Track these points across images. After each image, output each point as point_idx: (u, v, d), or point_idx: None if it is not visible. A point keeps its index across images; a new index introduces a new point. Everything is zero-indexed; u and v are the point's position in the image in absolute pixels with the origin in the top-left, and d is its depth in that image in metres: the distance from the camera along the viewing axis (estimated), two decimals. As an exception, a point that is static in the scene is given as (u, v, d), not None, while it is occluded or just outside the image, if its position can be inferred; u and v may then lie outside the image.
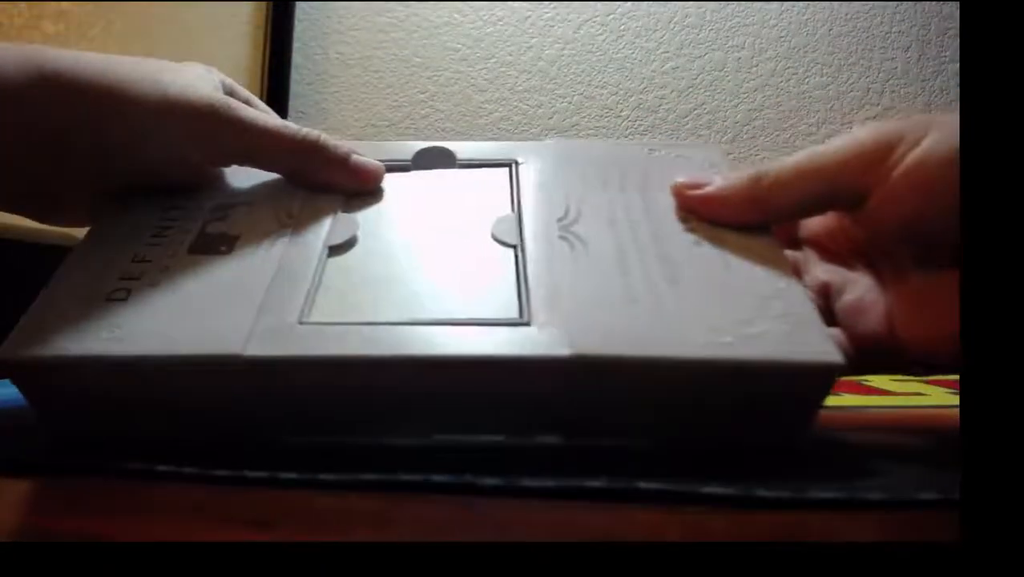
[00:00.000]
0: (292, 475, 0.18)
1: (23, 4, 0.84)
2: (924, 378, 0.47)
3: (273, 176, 0.27)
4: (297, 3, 0.85)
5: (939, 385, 0.42)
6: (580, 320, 0.20)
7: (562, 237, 0.24)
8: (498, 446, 0.21)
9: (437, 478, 0.18)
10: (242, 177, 0.27)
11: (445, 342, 0.20)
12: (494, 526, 0.16)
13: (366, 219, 0.25)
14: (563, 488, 0.17)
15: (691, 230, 0.24)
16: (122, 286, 0.22)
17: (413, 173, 0.28)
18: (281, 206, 0.25)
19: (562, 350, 0.19)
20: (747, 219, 0.25)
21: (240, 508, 0.16)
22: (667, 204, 0.25)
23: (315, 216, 0.25)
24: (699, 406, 0.21)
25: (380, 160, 0.28)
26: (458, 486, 0.17)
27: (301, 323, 0.20)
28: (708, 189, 0.25)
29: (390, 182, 0.27)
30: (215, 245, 0.23)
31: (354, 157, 0.27)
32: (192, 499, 0.17)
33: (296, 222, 0.24)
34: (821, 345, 0.20)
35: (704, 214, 0.25)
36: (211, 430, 0.21)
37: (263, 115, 0.27)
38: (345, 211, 0.25)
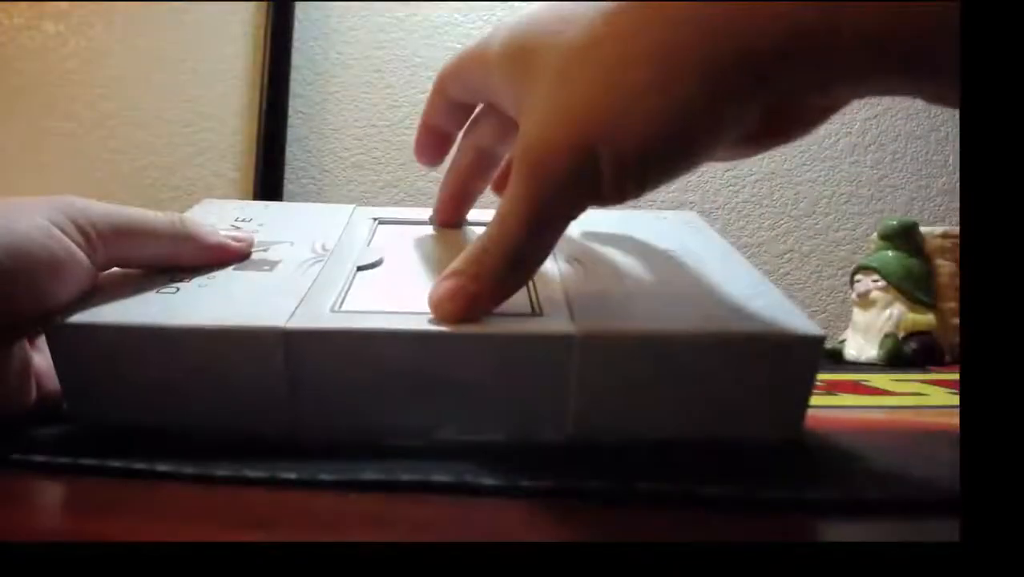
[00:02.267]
0: (292, 475, 0.18)
1: (23, 4, 0.84)
2: (924, 378, 0.47)
3: (309, 221, 0.30)
4: (297, 3, 0.85)
5: (939, 385, 0.42)
6: (587, 312, 0.22)
7: (566, 261, 0.27)
8: (501, 445, 0.22)
9: (437, 478, 0.18)
10: (280, 222, 0.30)
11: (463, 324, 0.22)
12: (494, 526, 0.16)
13: (391, 249, 0.28)
14: (563, 488, 0.17)
15: (671, 252, 0.28)
16: (172, 285, 0.24)
17: (430, 228, 0.32)
18: (317, 242, 0.28)
19: (570, 328, 0.21)
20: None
21: (240, 508, 0.16)
22: (648, 238, 0.29)
23: (347, 248, 0.28)
24: (696, 388, 0.22)
25: (398, 219, 0.32)
26: (458, 486, 0.17)
27: (332, 312, 0.23)
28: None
29: (409, 231, 0.31)
30: (258, 266, 0.26)
31: (222, 236, 0.27)
32: (192, 499, 0.17)
33: (329, 253, 0.27)
34: (804, 323, 0.22)
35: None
36: (249, 406, 0.22)
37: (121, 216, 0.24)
38: (372, 244, 0.29)
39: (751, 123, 0.20)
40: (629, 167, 0.20)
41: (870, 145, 0.83)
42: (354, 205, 0.33)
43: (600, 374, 0.21)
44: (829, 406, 0.33)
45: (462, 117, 0.29)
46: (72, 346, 0.22)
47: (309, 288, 0.24)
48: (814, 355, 0.22)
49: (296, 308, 0.22)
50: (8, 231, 0.21)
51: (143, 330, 0.22)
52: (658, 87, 0.19)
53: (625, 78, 0.19)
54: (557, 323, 0.22)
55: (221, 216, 0.30)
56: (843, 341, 0.64)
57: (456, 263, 0.22)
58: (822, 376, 0.47)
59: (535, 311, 0.23)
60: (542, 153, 0.20)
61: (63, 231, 0.22)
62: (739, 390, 0.22)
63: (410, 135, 0.98)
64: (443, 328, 0.21)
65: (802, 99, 0.20)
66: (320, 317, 0.22)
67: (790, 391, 0.22)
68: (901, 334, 0.60)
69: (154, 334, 0.22)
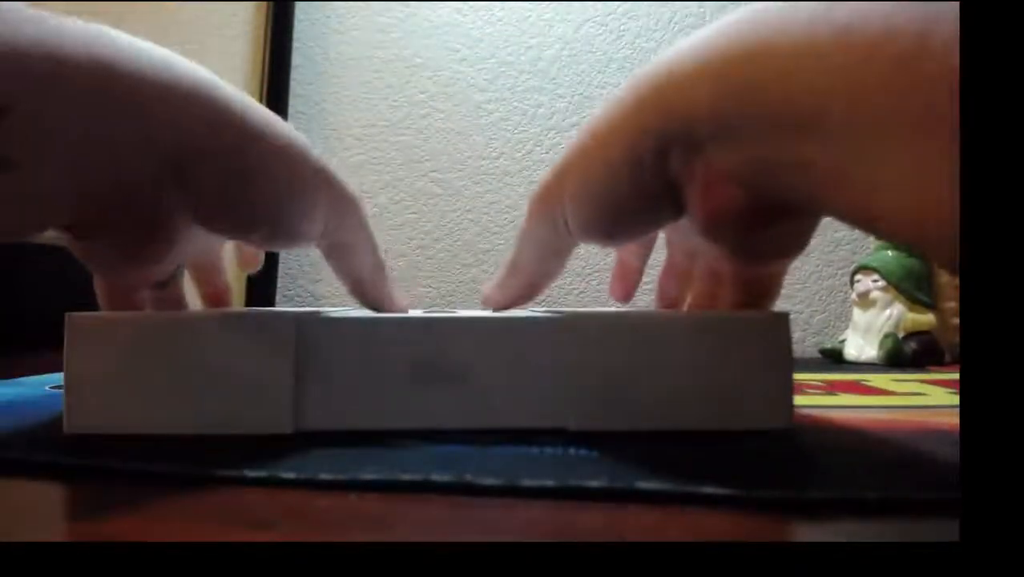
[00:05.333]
0: (292, 475, 0.18)
1: (23, 4, 0.84)
2: (924, 378, 0.47)
3: None
4: (297, 3, 0.85)
5: (939, 385, 0.42)
6: (578, 313, 0.25)
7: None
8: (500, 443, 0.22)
9: (437, 478, 0.18)
10: None
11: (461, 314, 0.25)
12: (494, 526, 0.16)
13: None
14: (563, 488, 0.17)
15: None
16: None
17: None
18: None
19: (559, 316, 0.24)
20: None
21: (240, 508, 0.16)
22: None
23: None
24: (679, 373, 0.23)
25: None
26: (458, 486, 0.17)
27: (340, 310, 0.26)
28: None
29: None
30: None
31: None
32: (192, 499, 0.17)
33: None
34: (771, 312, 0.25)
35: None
36: (255, 401, 0.23)
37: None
38: None
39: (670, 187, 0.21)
40: (577, 217, 0.24)
41: (870, 145, 0.83)
42: None
43: (588, 357, 0.23)
44: (829, 406, 0.33)
45: (644, 250, 0.34)
46: (89, 337, 0.22)
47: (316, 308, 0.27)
48: (784, 332, 0.24)
49: (306, 311, 0.25)
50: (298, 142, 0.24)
51: (159, 320, 0.23)
52: (589, 149, 0.22)
53: (575, 145, 0.23)
54: (550, 315, 0.24)
55: None
56: (843, 341, 0.64)
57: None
58: (822, 376, 0.47)
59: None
60: (530, 201, 0.26)
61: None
62: (722, 375, 0.23)
63: (410, 135, 0.98)
64: (444, 315, 0.24)
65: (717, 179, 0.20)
66: (328, 314, 0.24)
67: (772, 374, 0.24)
68: (901, 334, 0.60)
69: (170, 323, 0.23)
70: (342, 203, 0.26)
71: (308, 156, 0.24)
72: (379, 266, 0.28)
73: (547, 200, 0.25)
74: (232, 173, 0.22)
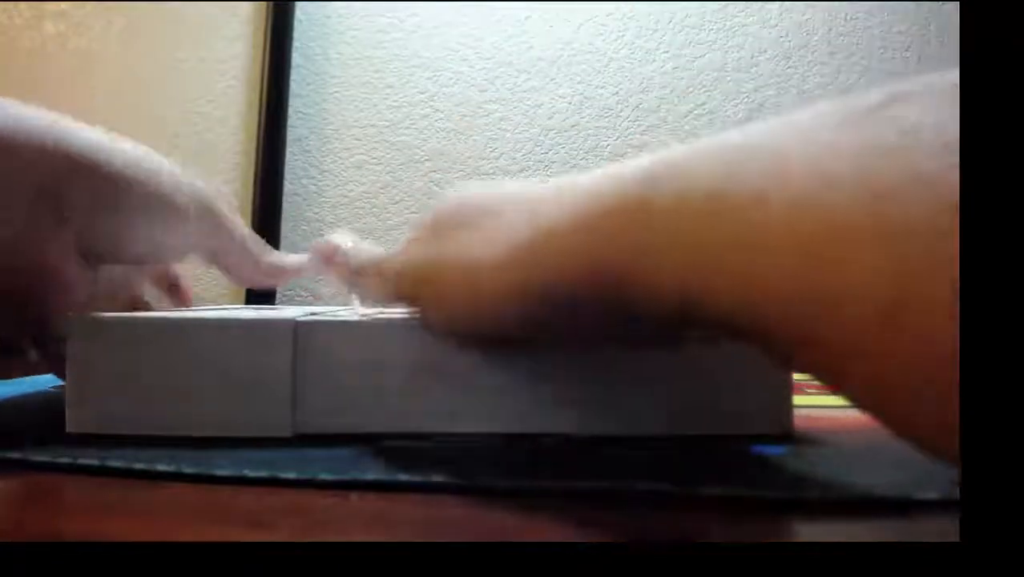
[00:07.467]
0: (292, 475, 0.18)
1: (23, 4, 0.84)
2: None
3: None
4: (297, 3, 0.85)
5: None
6: None
7: None
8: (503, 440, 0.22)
9: (437, 478, 0.18)
10: None
11: None
12: (494, 526, 0.16)
13: None
14: (563, 488, 0.17)
15: None
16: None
17: None
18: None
19: None
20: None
21: (240, 508, 0.16)
22: None
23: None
24: (678, 376, 0.23)
25: None
26: (458, 486, 0.17)
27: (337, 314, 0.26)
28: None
29: None
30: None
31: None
32: (192, 499, 0.17)
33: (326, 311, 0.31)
34: None
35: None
36: (253, 405, 0.23)
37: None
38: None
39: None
40: (444, 311, 0.22)
41: (870, 145, 0.83)
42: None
43: (588, 361, 0.23)
44: (828, 406, 0.33)
45: None
46: (90, 338, 0.22)
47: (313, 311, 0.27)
48: None
49: (304, 316, 0.24)
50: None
51: (160, 322, 0.23)
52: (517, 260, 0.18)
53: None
54: None
55: None
56: (843, 341, 0.64)
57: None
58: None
59: None
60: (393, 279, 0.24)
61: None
62: (721, 380, 0.23)
63: (410, 135, 0.98)
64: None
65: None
66: (329, 319, 0.24)
67: (771, 380, 0.23)
68: (901, 334, 0.60)
69: (171, 325, 0.23)
70: (216, 228, 0.29)
71: (175, 181, 0.27)
72: (257, 266, 0.31)
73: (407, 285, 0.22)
74: (101, 196, 0.25)
